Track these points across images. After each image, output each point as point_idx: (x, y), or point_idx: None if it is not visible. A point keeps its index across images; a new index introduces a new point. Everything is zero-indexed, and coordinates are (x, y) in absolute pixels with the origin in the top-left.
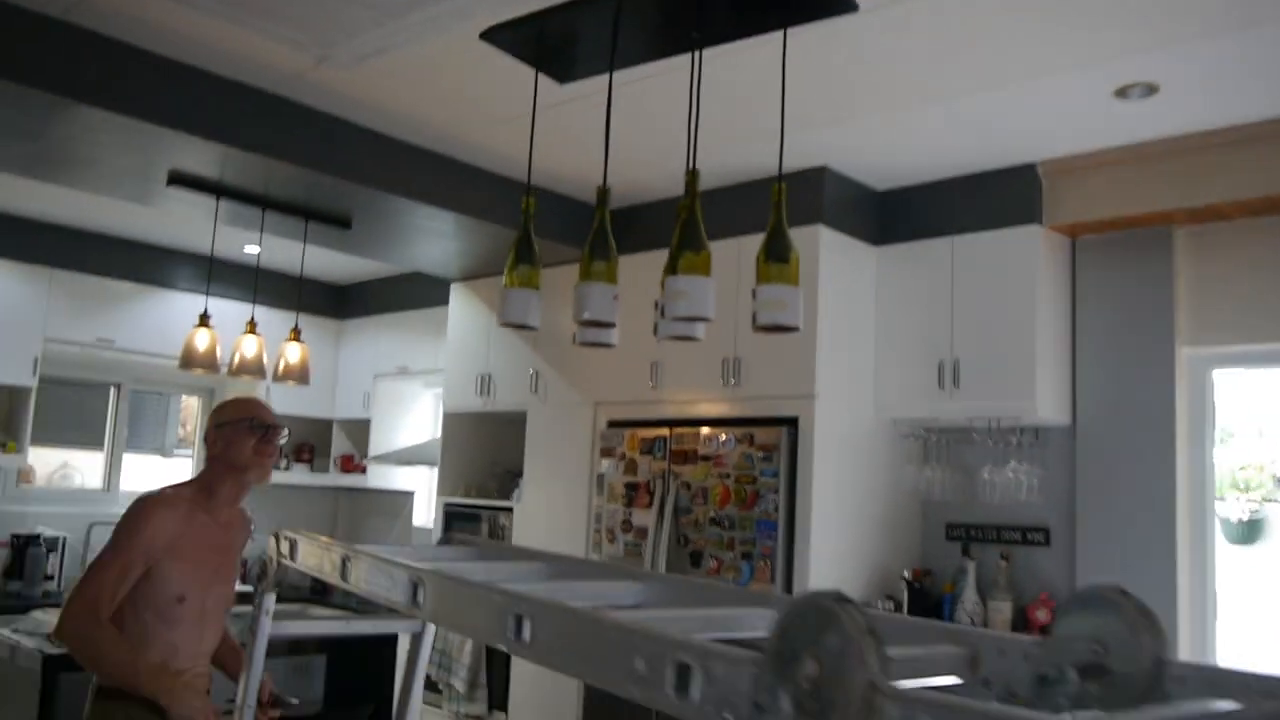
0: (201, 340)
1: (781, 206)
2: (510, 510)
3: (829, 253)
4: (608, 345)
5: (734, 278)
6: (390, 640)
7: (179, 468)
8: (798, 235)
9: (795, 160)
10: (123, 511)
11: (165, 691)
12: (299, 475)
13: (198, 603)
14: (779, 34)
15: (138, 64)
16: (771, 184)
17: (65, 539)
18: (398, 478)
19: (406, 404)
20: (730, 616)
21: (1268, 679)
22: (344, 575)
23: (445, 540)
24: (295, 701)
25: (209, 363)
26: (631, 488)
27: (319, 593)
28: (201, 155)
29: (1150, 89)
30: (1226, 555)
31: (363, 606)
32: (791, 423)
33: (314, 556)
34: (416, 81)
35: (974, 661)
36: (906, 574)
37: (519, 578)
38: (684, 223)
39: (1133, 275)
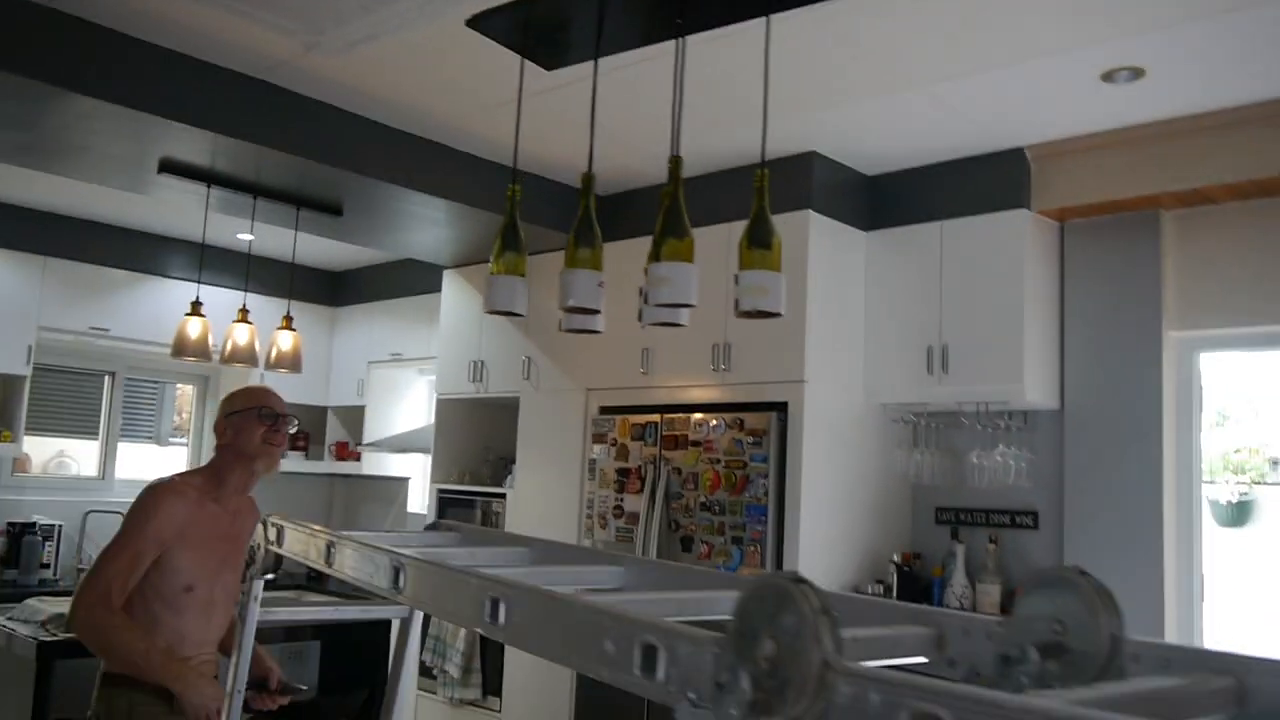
0: (193, 328)
1: (764, 192)
2: (504, 496)
3: (818, 238)
4: (593, 331)
5: (723, 264)
6: (384, 626)
7: (174, 456)
8: (787, 220)
9: (784, 145)
10: (121, 500)
11: (177, 678)
12: (294, 462)
13: (205, 591)
14: (767, 19)
15: (127, 52)
16: (756, 169)
17: (61, 527)
18: (392, 464)
19: (401, 391)
20: (705, 599)
21: (1218, 655)
22: (329, 561)
23: (432, 527)
24: (304, 688)
25: (201, 351)
26: (623, 473)
27: (315, 579)
28: (192, 143)
29: (1136, 73)
30: (1216, 538)
31: (357, 593)
32: (781, 408)
33: (300, 543)
34: (406, 68)
35: (940, 642)
36: (896, 558)
37: (502, 562)
38: (667, 209)
39: (1120, 259)
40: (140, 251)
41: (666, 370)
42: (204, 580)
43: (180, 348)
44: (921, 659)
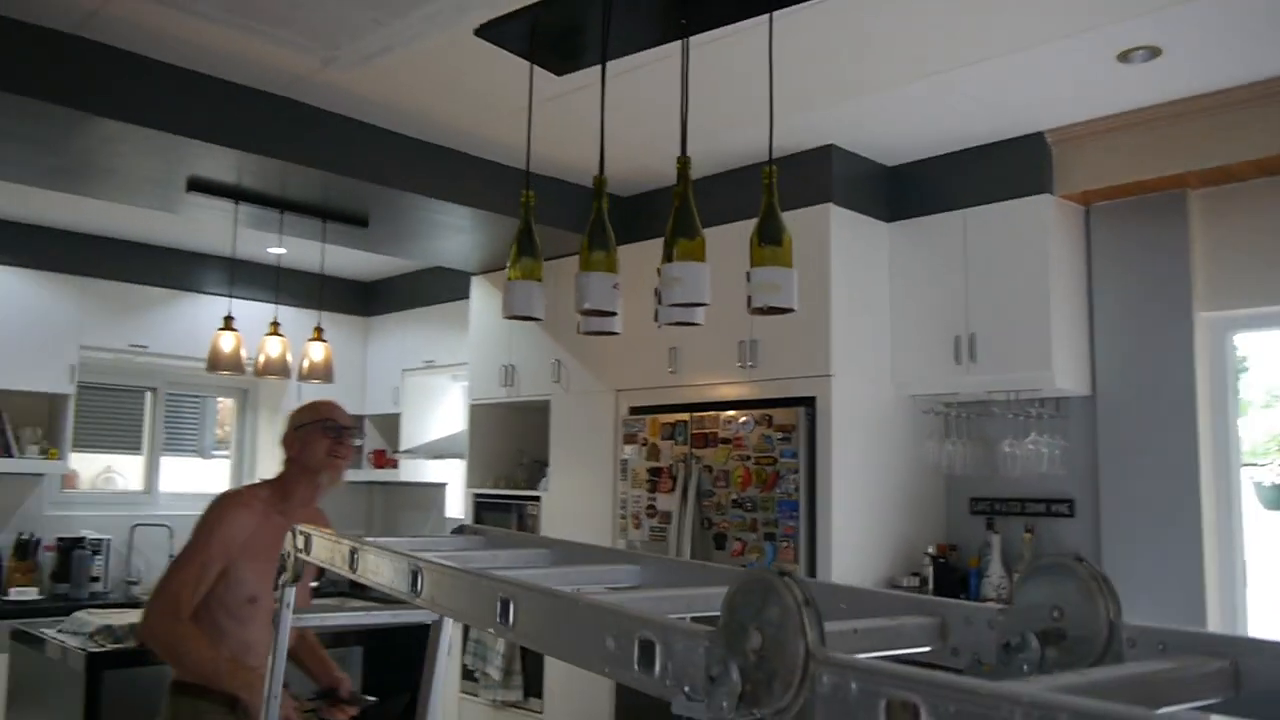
0: (226, 342)
1: (773, 189)
2: (538, 499)
3: (840, 231)
4: (611, 333)
5: (744, 261)
6: (426, 630)
7: (218, 469)
8: (808, 215)
9: (802, 139)
10: (167, 513)
11: (245, 686)
12: None
13: (269, 602)
14: (776, 14)
15: (149, 74)
16: (773, 166)
17: (109, 541)
18: (429, 471)
19: (435, 398)
20: (715, 595)
21: (1214, 638)
22: (353, 567)
23: (458, 530)
24: (372, 700)
25: (235, 364)
26: (654, 473)
27: (358, 586)
28: (218, 161)
29: (1153, 52)
30: (1260, 521)
31: (396, 599)
32: (809, 403)
33: (326, 550)
34: (422, 79)
35: (943, 631)
36: (931, 550)
37: (523, 564)
38: (677, 209)
39: (1148, 241)
40: (174, 269)
41: (694, 369)
42: (268, 592)
43: (214, 362)
44: (925, 649)
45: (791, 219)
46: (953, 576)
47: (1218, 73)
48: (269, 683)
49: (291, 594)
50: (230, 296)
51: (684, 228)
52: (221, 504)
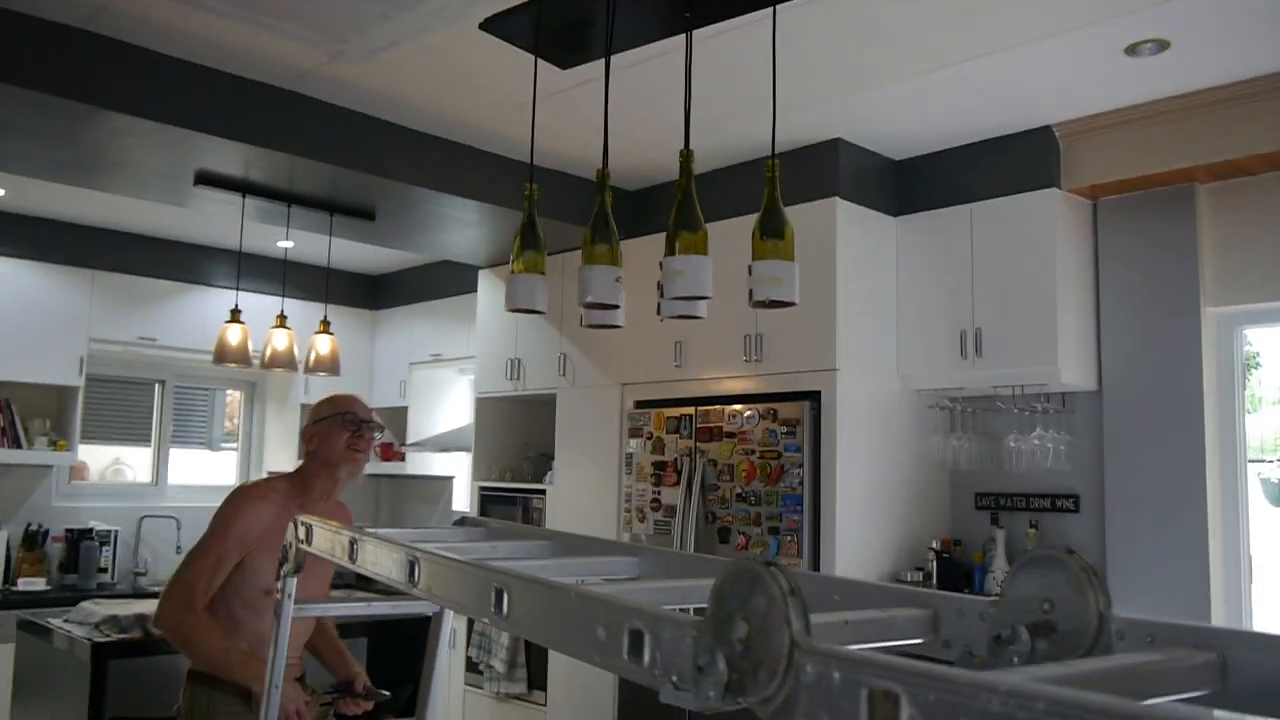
0: (233, 335)
1: (775, 182)
2: (544, 493)
3: (847, 224)
4: (614, 326)
5: (749, 255)
6: (429, 623)
7: (226, 461)
8: (815, 209)
9: (808, 133)
10: (175, 504)
11: (257, 678)
12: None
13: None
14: (781, 8)
15: (157, 68)
16: (780, 159)
17: (117, 533)
18: (436, 464)
19: (442, 391)
20: (709, 586)
21: (1202, 630)
22: (352, 558)
23: (459, 522)
24: (388, 695)
25: (241, 357)
26: (659, 466)
27: (364, 579)
28: (226, 154)
29: (1161, 45)
30: (1267, 517)
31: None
32: (814, 397)
33: (326, 540)
34: (429, 72)
35: (935, 623)
36: (935, 544)
37: (522, 555)
38: (680, 203)
39: (1155, 235)
40: (182, 262)
41: (699, 363)
42: None
43: (221, 355)
44: (917, 641)
45: (798, 213)
46: (957, 572)
47: (1226, 66)
48: (270, 672)
49: (293, 584)
50: (238, 289)
51: (686, 221)
52: (238, 496)
